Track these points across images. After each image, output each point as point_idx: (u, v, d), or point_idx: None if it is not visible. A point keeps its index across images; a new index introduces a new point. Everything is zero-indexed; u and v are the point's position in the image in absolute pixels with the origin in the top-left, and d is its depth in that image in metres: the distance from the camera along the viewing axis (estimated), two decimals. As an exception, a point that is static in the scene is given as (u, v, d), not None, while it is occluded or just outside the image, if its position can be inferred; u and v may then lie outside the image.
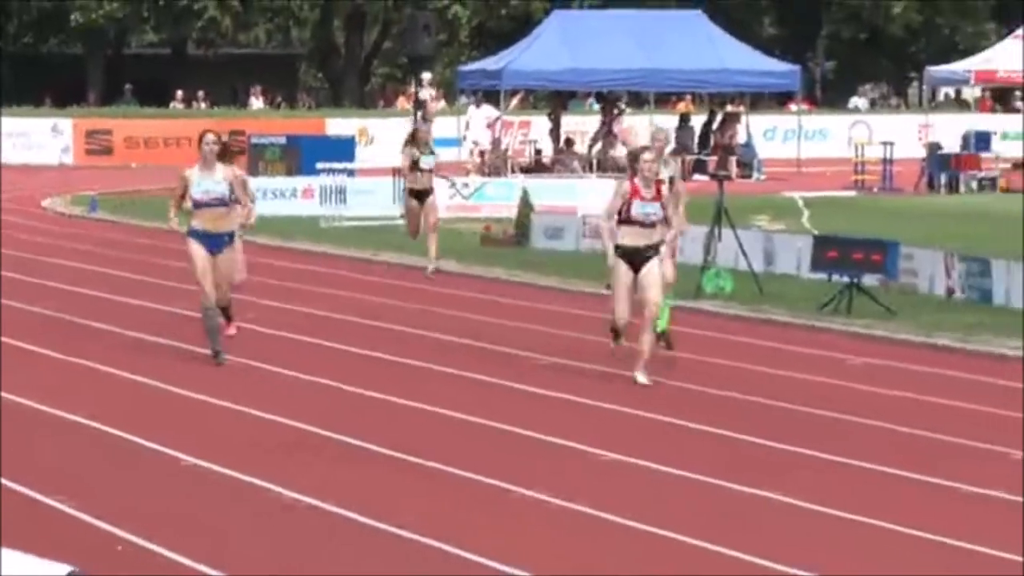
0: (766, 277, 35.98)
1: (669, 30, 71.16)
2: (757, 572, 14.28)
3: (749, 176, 66.01)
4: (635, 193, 22.49)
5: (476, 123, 68.50)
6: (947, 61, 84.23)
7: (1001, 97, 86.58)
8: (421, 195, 37.99)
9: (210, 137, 24.61)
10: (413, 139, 38.80)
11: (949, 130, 71.65)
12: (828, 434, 21.59)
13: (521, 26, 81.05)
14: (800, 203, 47.03)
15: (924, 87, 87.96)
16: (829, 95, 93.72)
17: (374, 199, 53.25)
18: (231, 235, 24.37)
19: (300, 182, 55.30)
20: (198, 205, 23.89)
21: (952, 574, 14.85)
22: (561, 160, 65.62)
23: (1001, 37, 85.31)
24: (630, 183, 22.72)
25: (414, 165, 38.10)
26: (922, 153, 65.82)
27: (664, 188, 23.05)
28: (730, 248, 36.10)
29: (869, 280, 33.88)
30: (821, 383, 24.92)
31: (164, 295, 33.61)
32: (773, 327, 31.48)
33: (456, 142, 70.26)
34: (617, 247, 22.63)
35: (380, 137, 75.50)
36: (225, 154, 26.36)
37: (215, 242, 23.90)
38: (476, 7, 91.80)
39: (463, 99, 76.04)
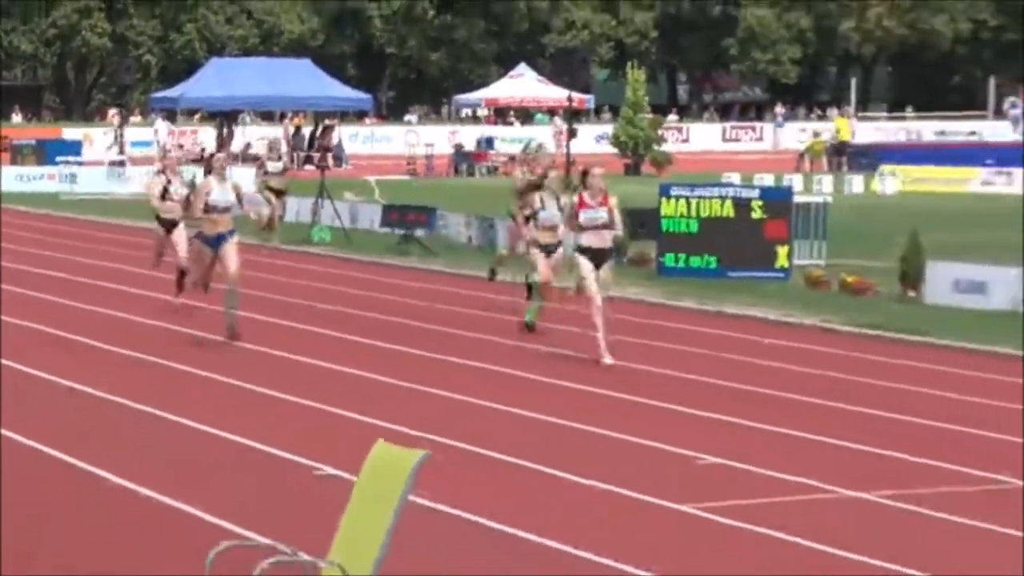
0: (352, 231, 35.78)
1: (288, 71, 70.19)
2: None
3: (340, 166, 64.36)
4: (582, 204, 18.31)
5: (162, 132, 66.82)
6: (467, 91, 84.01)
7: (501, 114, 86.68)
8: (279, 193, 34.93)
9: (220, 155, 22.01)
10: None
11: (469, 136, 71.51)
12: (407, 334, 20.99)
13: (192, 67, 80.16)
14: (373, 183, 46.78)
15: (452, 107, 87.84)
16: (392, 112, 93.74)
17: (95, 181, 52.50)
18: (231, 232, 20.09)
19: (46, 170, 54.51)
20: (213, 210, 19.89)
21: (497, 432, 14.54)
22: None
23: (500, 76, 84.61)
24: (578, 197, 18.63)
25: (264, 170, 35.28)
26: (451, 151, 65.46)
27: (611, 198, 18.66)
28: (329, 212, 35.96)
29: (420, 232, 33.55)
30: (391, 300, 24.57)
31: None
32: (358, 264, 31.29)
33: (150, 143, 68.26)
34: (581, 248, 18.31)
35: (97, 141, 72.66)
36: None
37: (218, 240, 19.77)
38: (160, 55, 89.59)
39: (153, 116, 74.86)
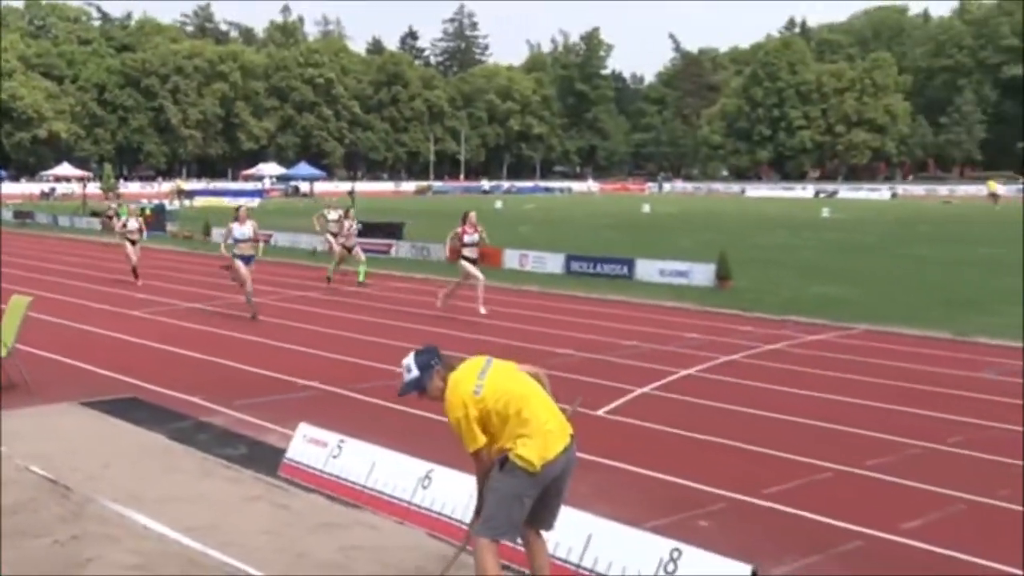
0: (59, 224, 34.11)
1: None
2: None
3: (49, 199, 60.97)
4: (464, 232, 17.41)
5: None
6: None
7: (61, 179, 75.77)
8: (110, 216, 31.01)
9: (244, 209, 18.16)
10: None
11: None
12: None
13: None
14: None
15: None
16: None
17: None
18: (252, 257, 17.54)
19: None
20: (239, 241, 17.36)
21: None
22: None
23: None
24: (462, 228, 17.55)
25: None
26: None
27: (481, 227, 17.73)
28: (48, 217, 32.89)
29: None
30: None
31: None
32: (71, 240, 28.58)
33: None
34: (464, 256, 17.58)
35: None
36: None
37: (248, 260, 17.43)
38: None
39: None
